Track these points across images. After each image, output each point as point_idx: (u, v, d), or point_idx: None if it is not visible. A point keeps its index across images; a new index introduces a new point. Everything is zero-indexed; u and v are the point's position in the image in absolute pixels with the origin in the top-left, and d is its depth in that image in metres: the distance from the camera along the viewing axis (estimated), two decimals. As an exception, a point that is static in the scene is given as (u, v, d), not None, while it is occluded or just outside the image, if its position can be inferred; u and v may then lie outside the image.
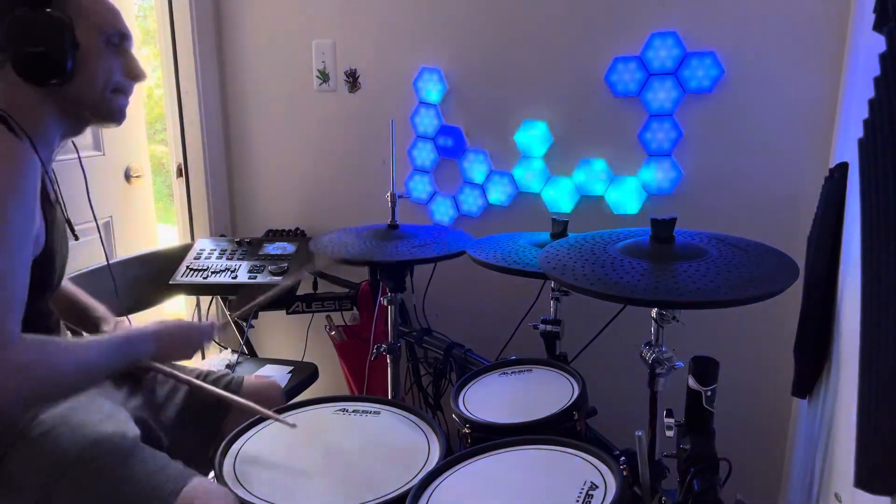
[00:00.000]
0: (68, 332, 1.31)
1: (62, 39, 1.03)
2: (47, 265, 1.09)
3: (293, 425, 1.17)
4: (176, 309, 2.52)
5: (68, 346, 1.03)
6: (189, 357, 1.26)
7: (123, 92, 1.15)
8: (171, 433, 1.27)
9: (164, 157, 4.31)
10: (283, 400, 1.48)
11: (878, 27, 0.70)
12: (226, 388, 1.37)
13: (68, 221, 1.21)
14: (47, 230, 1.08)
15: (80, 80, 1.07)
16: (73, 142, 1.22)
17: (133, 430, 1.14)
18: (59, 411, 1.10)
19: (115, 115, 1.16)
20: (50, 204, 1.12)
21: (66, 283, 1.35)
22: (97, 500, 1.01)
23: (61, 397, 1.06)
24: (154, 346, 1.17)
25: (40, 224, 1.05)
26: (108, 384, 1.25)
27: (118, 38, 1.12)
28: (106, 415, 1.15)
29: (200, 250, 2.12)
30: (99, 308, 1.36)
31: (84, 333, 1.35)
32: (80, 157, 1.28)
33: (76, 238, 1.23)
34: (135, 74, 1.16)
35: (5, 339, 0.90)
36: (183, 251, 2.12)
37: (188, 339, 1.25)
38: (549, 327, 1.54)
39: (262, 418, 1.20)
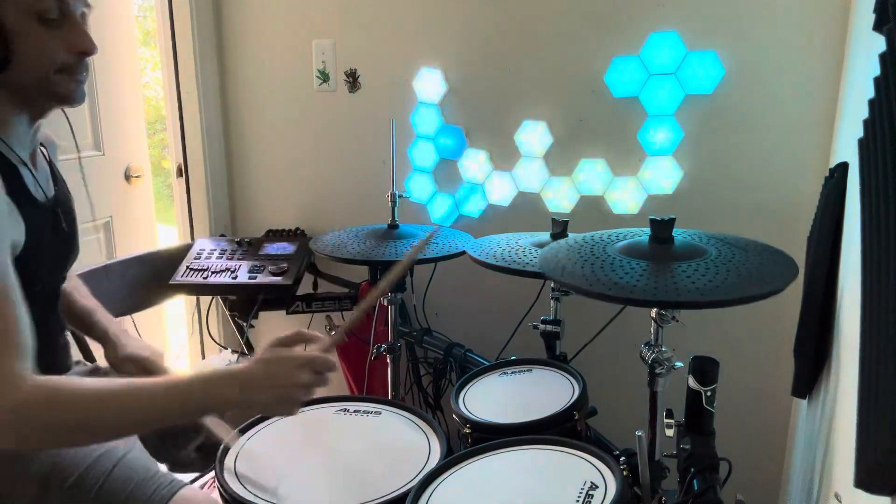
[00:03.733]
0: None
1: None
2: (29, 256, 1.00)
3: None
4: (176, 309, 2.52)
5: (95, 392, 0.88)
6: (290, 413, 0.98)
7: (71, 70, 1.02)
8: (170, 441, 1.27)
9: (161, 156, 4.32)
10: None
11: (878, 27, 0.70)
12: None
13: (55, 213, 1.12)
14: (24, 220, 1.00)
15: (17, 66, 0.96)
16: (75, 141, 1.20)
17: (123, 444, 1.13)
18: None
19: (68, 97, 1.04)
20: (28, 194, 1.05)
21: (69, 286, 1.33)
22: None
23: (85, 443, 0.95)
24: (239, 393, 0.94)
25: (14, 215, 0.98)
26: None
27: (55, 12, 0.98)
28: None
29: (200, 250, 2.12)
30: (98, 312, 1.32)
31: (86, 338, 1.33)
32: (79, 157, 1.26)
33: (66, 230, 1.14)
34: (81, 49, 1.01)
35: (3, 380, 0.82)
36: (183, 251, 2.12)
37: (287, 378, 0.96)
38: (549, 327, 1.54)
39: (261, 419, 1.20)
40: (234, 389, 0.93)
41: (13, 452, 0.98)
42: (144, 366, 1.27)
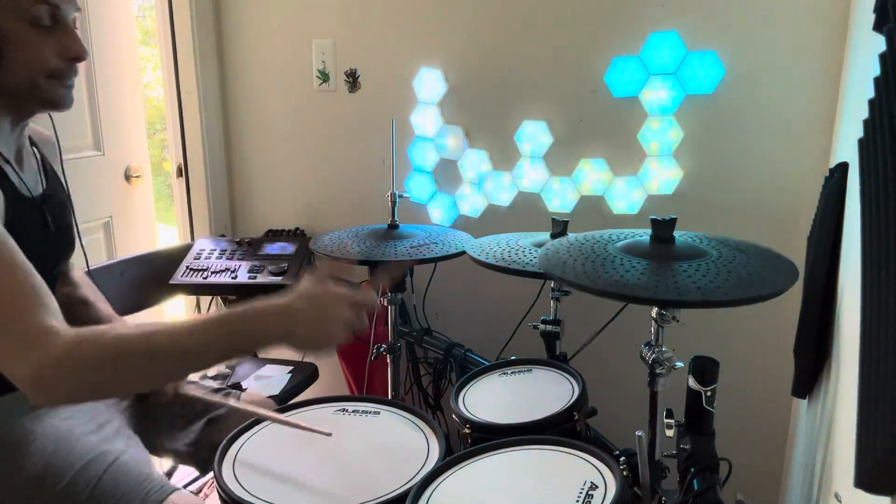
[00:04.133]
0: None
1: None
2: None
3: (328, 433, 1.08)
4: (176, 309, 2.52)
5: (131, 346, 0.86)
6: (326, 349, 0.93)
7: (61, 76, 1.02)
8: (168, 446, 1.27)
9: (162, 157, 4.32)
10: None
11: (878, 27, 0.70)
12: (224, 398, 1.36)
13: (42, 211, 1.12)
14: (9, 212, 1.00)
15: (7, 70, 0.97)
16: (57, 140, 1.17)
17: (117, 446, 1.13)
18: (48, 420, 1.09)
19: (57, 103, 1.04)
20: (12, 188, 1.04)
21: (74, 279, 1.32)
22: None
23: (130, 388, 0.93)
24: (285, 335, 0.91)
25: None
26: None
27: (47, 17, 0.98)
28: (96, 426, 1.15)
29: (200, 250, 2.12)
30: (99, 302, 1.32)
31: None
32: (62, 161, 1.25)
33: (52, 229, 1.13)
34: (72, 55, 1.02)
35: (40, 335, 0.82)
36: (183, 251, 2.12)
37: (331, 311, 0.93)
38: (549, 327, 1.54)
39: (260, 420, 1.20)
40: (278, 321, 0.90)
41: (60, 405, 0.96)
42: None
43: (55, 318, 0.86)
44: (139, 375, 0.89)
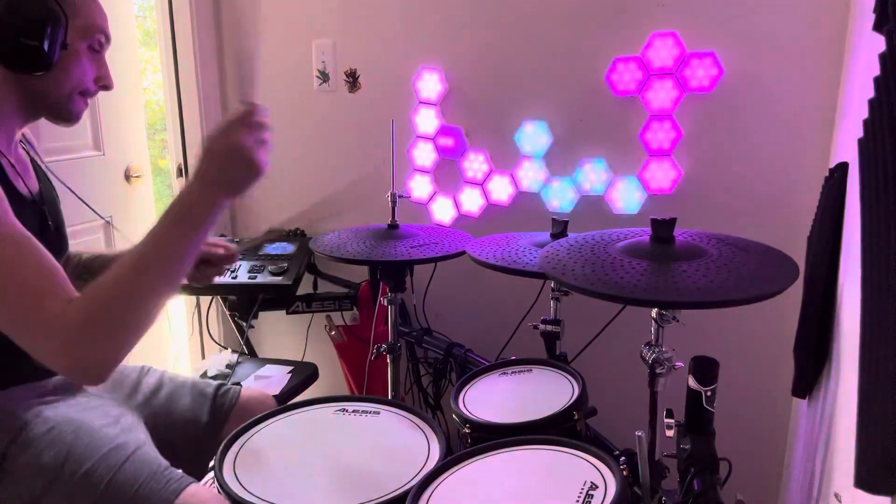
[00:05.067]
0: None
1: (56, 34, 1.01)
2: None
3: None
4: (176, 309, 2.52)
5: (119, 270, 0.91)
6: (258, 172, 0.97)
7: (88, 97, 1.13)
8: (170, 442, 1.27)
9: (160, 156, 4.31)
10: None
11: (878, 27, 0.70)
12: (223, 399, 1.37)
13: (41, 211, 1.14)
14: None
15: (52, 78, 1.04)
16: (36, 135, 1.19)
17: (136, 437, 1.15)
18: (64, 411, 1.10)
19: (71, 117, 1.12)
20: (12, 187, 1.06)
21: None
22: (93, 497, 1.01)
23: (152, 311, 0.94)
24: (213, 186, 0.96)
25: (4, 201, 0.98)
26: (105, 394, 1.24)
27: (100, 44, 1.10)
28: (112, 419, 1.16)
29: (200, 250, 2.11)
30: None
31: None
32: (43, 162, 1.24)
33: (51, 229, 1.16)
34: (105, 84, 1.13)
35: (56, 322, 0.86)
36: (183, 251, 2.12)
37: (231, 152, 0.96)
38: (549, 327, 1.54)
39: (260, 419, 1.20)
40: (205, 186, 0.95)
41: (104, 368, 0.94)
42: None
43: (66, 293, 0.89)
44: (144, 296, 0.92)
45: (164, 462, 1.10)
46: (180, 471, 1.10)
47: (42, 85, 1.05)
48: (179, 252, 0.94)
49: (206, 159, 0.97)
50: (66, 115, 1.11)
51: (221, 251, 1.27)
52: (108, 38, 1.12)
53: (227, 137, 0.96)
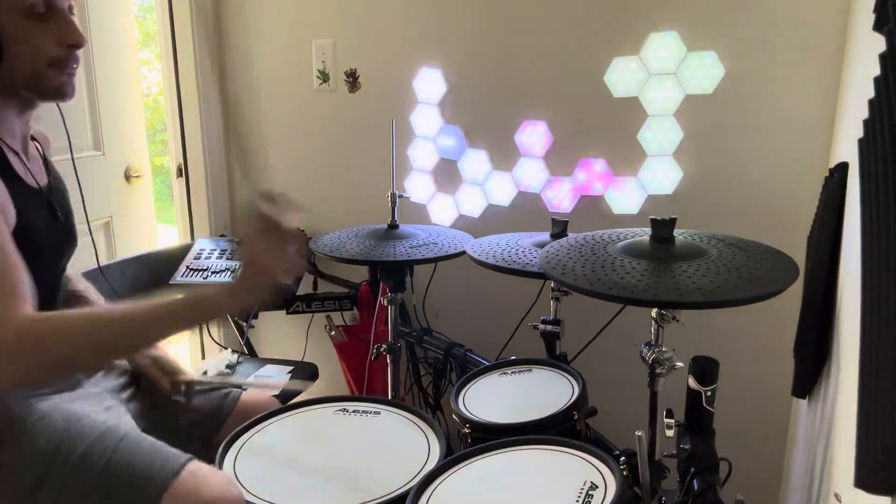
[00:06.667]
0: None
1: None
2: (25, 240, 1.01)
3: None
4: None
5: (97, 320, 0.95)
6: (263, 296, 1.01)
7: (62, 64, 1.04)
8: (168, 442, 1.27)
9: (157, 153, 4.31)
10: None
11: (878, 27, 0.70)
12: (223, 401, 1.37)
13: (50, 202, 1.14)
14: (14, 201, 1.01)
15: (8, 62, 0.99)
16: (69, 138, 1.19)
17: (130, 423, 1.14)
18: (56, 401, 1.10)
19: (56, 93, 1.06)
20: (18, 177, 1.06)
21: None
22: (91, 480, 1.00)
23: (84, 368, 1.00)
24: (237, 303, 1.01)
25: (4, 196, 0.99)
26: (99, 389, 1.24)
27: (42, 5, 1.00)
28: (103, 408, 1.15)
29: (200, 250, 2.12)
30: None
31: None
32: (73, 158, 1.25)
33: (60, 220, 1.15)
34: (71, 42, 1.03)
35: (5, 319, 0.88)
36: (183, 251, 2.12)
37: (263, 272, 1.01)
38: (549, 327, 1.54)
39: (260, 419, 1.20)
40: (226, 302, 1.00)
41: (16, 395, 1.01)
42: (160, 364, 1.32)
43: (19, 302, 0.90)
44: (85, 351, 0.95)
45: (160, 441, 1.08)
46: (177, 449, 1.09)
47: (7, 73, 1.00)
48: (161, 335, 1.00)
49: (242, 283, 1.00)
50: (46, 92, 1.06)
51: (166, 386, 1.29)
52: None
53: (264, 260, 1.00)
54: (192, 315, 1.01)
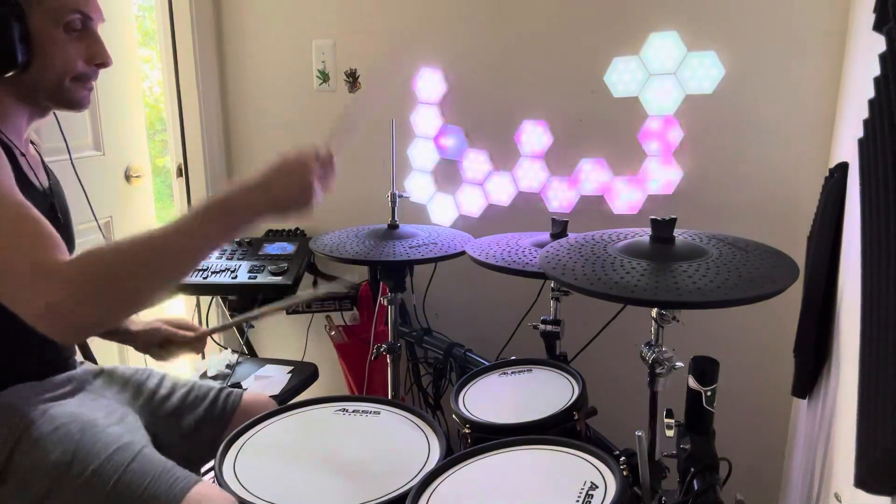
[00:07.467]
0: None
1: (10, 30, 0.97)
2: None
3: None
4: (176, 309, 2.52)
5: (132, 248, 0.90)
6: (307, 206, 1.07)
7: (85, 80, 1.08)
8: (171, 444, 1.27)
9: (158, 154, 4.31)
10: None
11: (878, 27, 0.70)
12: (224, 402, 1.37)
13: (51, 203, 1.15)
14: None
15: (36, 68, 1.01)
16: (65, 141, 1.20)
17: (142, 436, 1.15)
18: (70, 409, 1.10)
19: (75, 104, 1.09)
20: (25, 177, 1.07)
21: None
22: (100, 498, 1.01)
23: (151, 293, 0.94)
24: (269, 198, 1.00)
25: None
26: (108, 394, 1.25)
27: (80, 23, 1.04)
28: (117, 418, 1.16)
29: (200, 250, 2.11)
30: None
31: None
32: (71, 159, 1.25)
33: (61, 221, 1.16)
34: (99, 61, 1.08)
35: (46, 267, 0.86)
36: (183, 251, 2.12)
37: (299, 175, 1.06)
38: (549, 327, 1.54)
39: (260, 419, 1.20)
40: (260, 196, 0.99)
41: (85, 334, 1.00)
42: (173, 323, 1.36)
43: (59, 250, 0.89)
44: (147, 275, 0.92)
45: (170, 462, 1.10)
46: (186, 470, 1.10)
47: (29, 78, 1.02)
48: (202, 246, 0.96)
49: (277, 173, 1.02)
50: (65, 103, 1.09)
51: (191, 335, 1.30)
52: (88, 16, 1.06)
53: (302, 164, 1.04)
54: (228, 212, 0.97)
